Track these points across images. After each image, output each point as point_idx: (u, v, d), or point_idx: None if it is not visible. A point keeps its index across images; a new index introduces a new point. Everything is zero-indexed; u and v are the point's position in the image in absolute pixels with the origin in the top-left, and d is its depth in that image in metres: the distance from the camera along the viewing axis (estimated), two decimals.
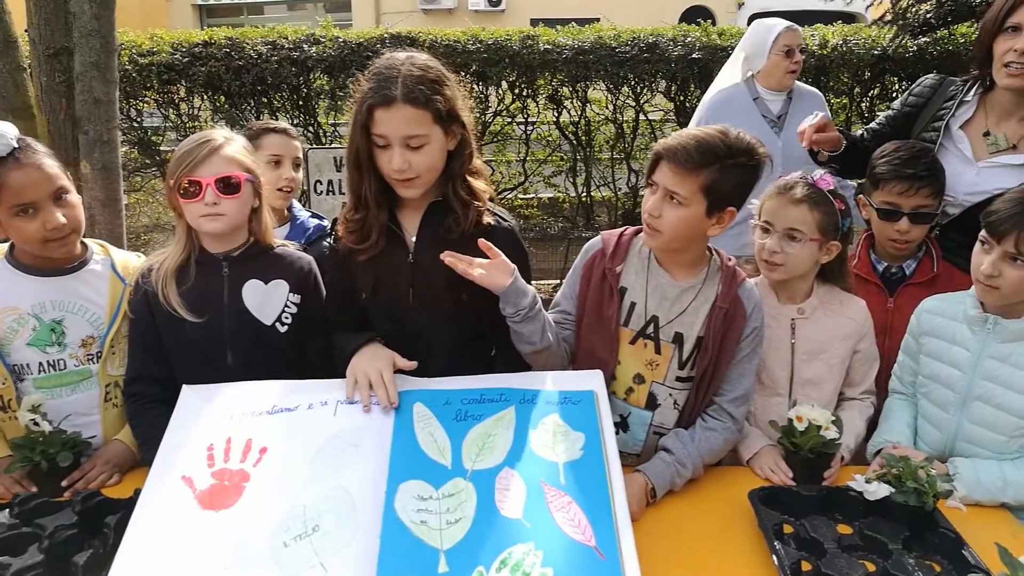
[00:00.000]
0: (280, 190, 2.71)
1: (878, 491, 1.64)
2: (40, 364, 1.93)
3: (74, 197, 1.92)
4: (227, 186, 1.89)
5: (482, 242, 1.78)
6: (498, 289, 1.78)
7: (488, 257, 1.78)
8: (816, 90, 3.84)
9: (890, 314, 2.29)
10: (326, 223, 2.88)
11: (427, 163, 1.81)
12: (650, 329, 1.95)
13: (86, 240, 2.04)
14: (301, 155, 2.84)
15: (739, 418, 1.97)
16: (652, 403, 1.99)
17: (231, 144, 1.94)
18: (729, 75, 3.78)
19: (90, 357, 1.98)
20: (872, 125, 2.76)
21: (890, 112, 2.69)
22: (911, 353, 2.10)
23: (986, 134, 2.34)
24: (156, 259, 2.00)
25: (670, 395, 1.98)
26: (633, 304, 1.96)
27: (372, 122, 1.76)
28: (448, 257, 1.77)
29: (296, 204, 2.89)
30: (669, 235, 1.84)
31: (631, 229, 2.04)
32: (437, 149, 1.82)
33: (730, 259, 2.00)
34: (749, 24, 3.86)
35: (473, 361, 1.95)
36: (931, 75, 2.59)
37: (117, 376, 2.02)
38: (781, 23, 3.59)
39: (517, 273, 1.81)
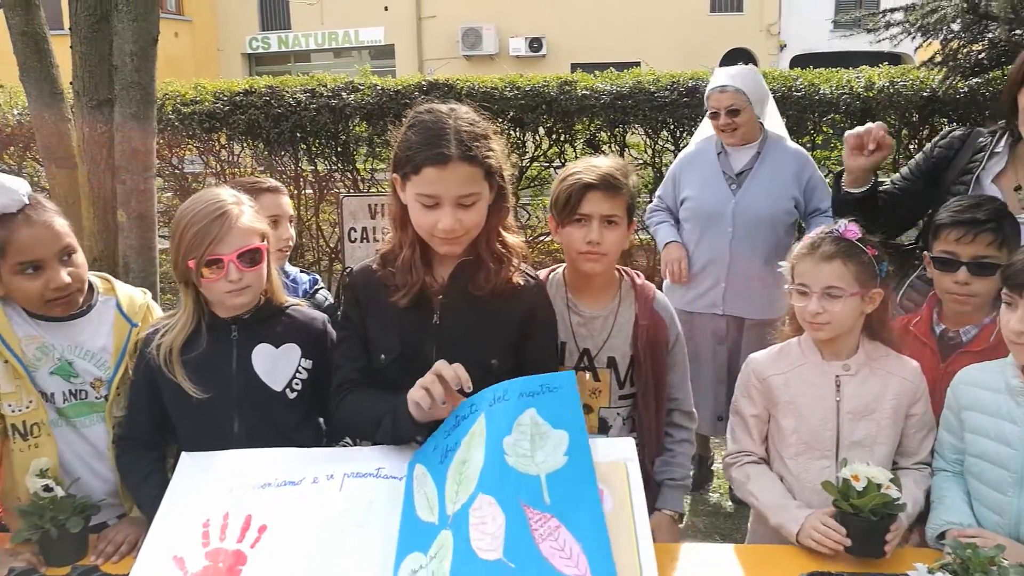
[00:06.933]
0: (279, 251, 2.59)
1: None
2: (63, 393, 1.91)
3: (79, 257, 1.88)
4: (249, 259, 1.82)
5: None
6: None
7: None
8: (799, 148, 3.47)
9: (939, 381, 2.08)
10: (318, 276, 2.84)
11: (476, 220, 1.73)
12: (584, 362, 2.07)
13: (89, 277, 1.98)
14: (292, 212, 2.75)
15: (695, 415, 2.21)
16: (604, 427, 2.11)
17: (244, 212, 1.85)
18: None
19: (98, 399, 1.95)
20: (895, 177, 2.63)
21: (915, 163, 2.57)
22: (952, 429, 1.93)
23: (1017, 188, 2.25)
24: (162, 323, 1.93)
25: (617, 414, 2.11)
26: (563, 343, 2.06)
27: (421, 180, 1.66)
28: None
29: (286, 262, 2.79)
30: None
31: (543, 272, 2.14)
32: (485, 205, 1.74)
33: (637, 274, 2.14)
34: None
35: None
36: (958, 127, 2.53)
37: (121, 418, 1.97)
38: (717, 79, 3.26)
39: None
